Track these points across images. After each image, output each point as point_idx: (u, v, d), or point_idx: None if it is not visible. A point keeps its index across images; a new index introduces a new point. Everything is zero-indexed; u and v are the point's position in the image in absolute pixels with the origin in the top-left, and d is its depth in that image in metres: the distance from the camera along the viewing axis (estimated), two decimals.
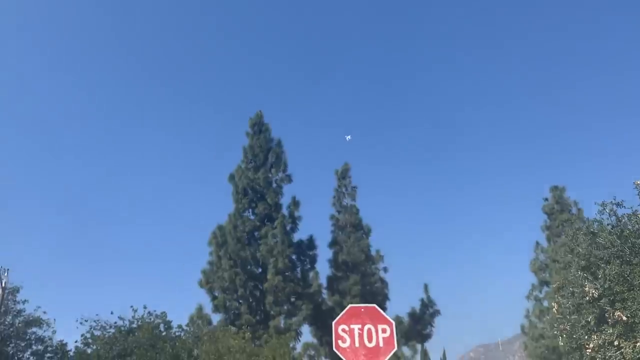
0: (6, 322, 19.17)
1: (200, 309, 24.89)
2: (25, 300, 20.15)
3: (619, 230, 14.70)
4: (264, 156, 29.17)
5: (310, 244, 28.01)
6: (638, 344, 12.93)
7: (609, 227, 15.30)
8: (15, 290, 19.96)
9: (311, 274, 27.04)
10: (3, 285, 17.97)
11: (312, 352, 25.62)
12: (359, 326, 7.48)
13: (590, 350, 14.10)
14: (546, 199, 36.26)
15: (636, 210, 14.89)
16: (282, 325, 24.61)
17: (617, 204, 15.30)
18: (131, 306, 19.38)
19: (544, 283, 33.69)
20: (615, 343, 13.46)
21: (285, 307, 25.27)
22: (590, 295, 14.22)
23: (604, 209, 15.50)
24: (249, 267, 26.23)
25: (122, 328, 18.81)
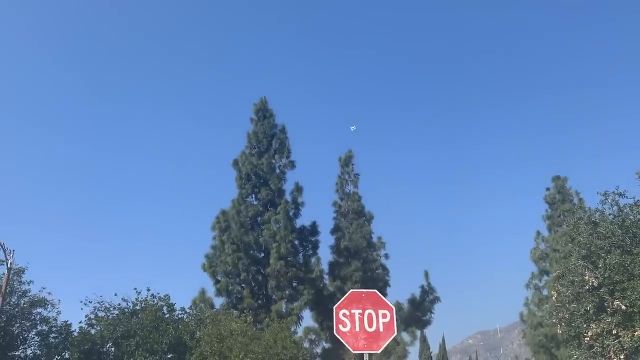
0: (12, 303, 19.37)
1: (203, 292, 25.12)
2: (30, 281, 20.36)
3: (621, 220, 14.72)
4: (268, 142, 29.13)
5: (313, 230, 28.12)
6: (636, 333, 13.03)
7: (611, 217, 15.33)
8: (21, 271, 20.14)
9: (313, 260, 27.18)
10: (9, 266, 18.14)
11: (313, 337, 25.88)
12: (360, 311, 7.58)
13: (588, 339, 14.22)
14: (548, 189, 36.30)
15: (638, 201, 14.89)
16: (283, 309, 24.83)
17: (620, 194, 15.31)
18: (135, 288, 19.65)
19: (543, 272, 33.85)
20: (614, 332, 13.57)
21: (287, 292, 25.46)
22: (590, 284, 14.30)
23: (606, 198, 15.51)
24: (251, 251, 26.37)
25: (126, 310, 19.04)
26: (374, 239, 29.04)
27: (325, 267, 27.77)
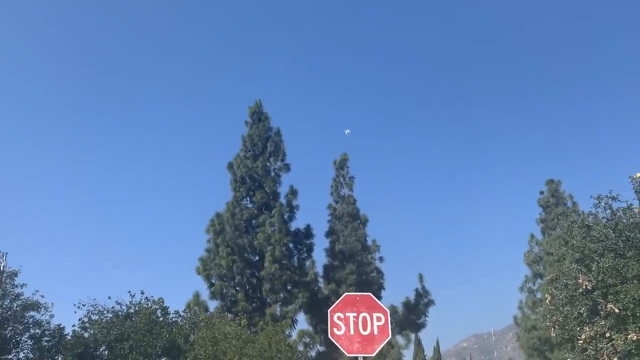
0: (4, 306, 19.24)
1: (197, 295, 25.03)
2: (23, 284, 20.22)
3: (614, 224, 14.81)
4: (263, 145, 29.13)
5: (308, 232, 28.10)
6: (629, 336, 13.09)
7: (604, 221, 15.41)
8: (14, 274, 20.00)
9: (308, 263, 27.15)
10: (1, 269, 18.01)
11: (308, 340, 25.84)
12: (354, 314, 7.59)
13: (582, 342, 14.27)
14: (542, 192, 36.46)
15: (631, 204, 15.00)
16: (278, 312, 24.79)
17: (613, 198, 15.40)
18: (129, 291, 19.52)
19: (537, 275, 33.97)
20: (607, 335, 13.63)
21: (282, 295, 25.43)
22: (584, 287, 14.35)
23: (599, 202, 15.60)
24: (246, 254, 26.31)
25: (120, 313, 18.93)
26: (369, 242, 29.08)
27: (320, 270, 27.77)
